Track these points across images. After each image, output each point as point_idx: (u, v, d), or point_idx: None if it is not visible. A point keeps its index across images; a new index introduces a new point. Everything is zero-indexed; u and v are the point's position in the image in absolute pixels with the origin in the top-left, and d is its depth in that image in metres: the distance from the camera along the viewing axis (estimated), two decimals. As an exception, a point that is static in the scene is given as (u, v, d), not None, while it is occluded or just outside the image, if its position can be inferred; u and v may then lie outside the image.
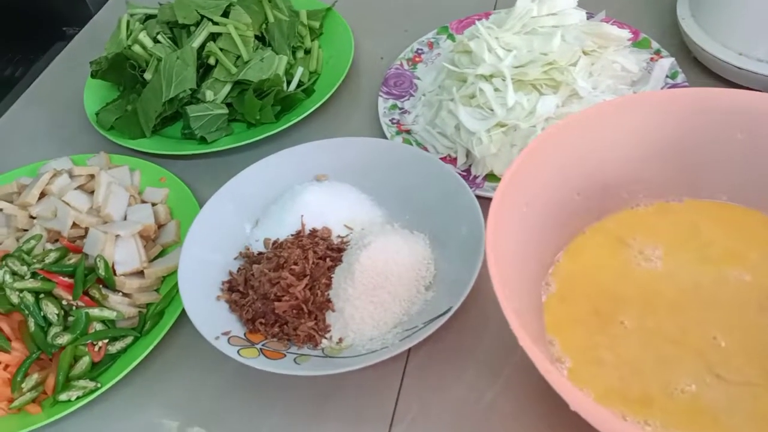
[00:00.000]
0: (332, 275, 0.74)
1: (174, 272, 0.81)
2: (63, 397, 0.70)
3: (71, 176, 0.88)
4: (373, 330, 0.71)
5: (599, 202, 0.72)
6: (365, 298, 0.72)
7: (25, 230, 0.85)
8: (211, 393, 0.74)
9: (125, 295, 0.78)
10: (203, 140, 0.98)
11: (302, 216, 0.81)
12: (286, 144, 1.00)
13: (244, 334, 0.72)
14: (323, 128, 1.02)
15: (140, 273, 0.80)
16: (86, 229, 0.83)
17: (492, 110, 0.84)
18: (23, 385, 0.71)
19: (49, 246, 0.81)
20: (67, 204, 0.83)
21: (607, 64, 0.87)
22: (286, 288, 0.73)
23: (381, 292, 0.72)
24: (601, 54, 0.88)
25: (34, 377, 0.72)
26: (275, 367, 0.66)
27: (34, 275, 0.76)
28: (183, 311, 0.76)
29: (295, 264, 0.75)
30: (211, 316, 0.73)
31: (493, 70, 0.86)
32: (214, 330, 0.71)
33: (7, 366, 0.73)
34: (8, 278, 0.75)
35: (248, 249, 0.82)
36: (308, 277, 0.74)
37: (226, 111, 1.00)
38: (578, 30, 0.88)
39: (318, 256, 0.76)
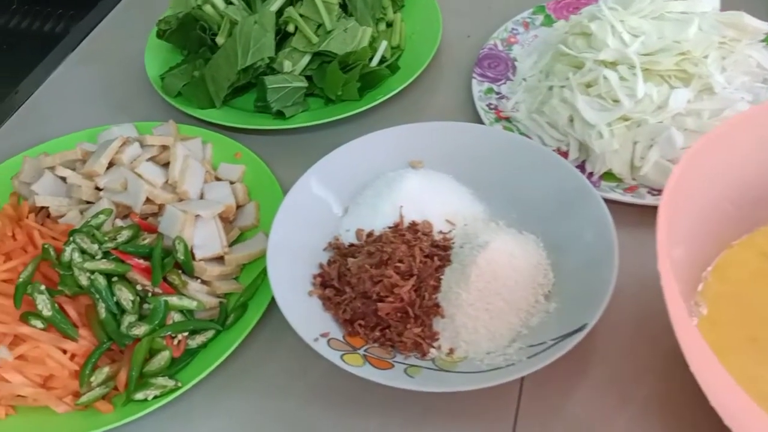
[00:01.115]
0: (441, 276, 0.66)
1: (256, 260, 0.73)
2: (139, 396, 0.62)
3: (142, 146, 0.79)
4: (489, 342, 0.63)
5: (751, 213, 0.64)
6: (480, 306, 0.64)
7: (89, 203, 0.77)
8: (299, 395, 0.66)
9: (203, 282, 0.70)
10: (280, 114, 0.90)
11: (401, 207, 0.73)
12: (367, 124, 0.92)
13: (343, 337, 0.64)
14: (407, 110, 0.94)
15: (219, 259, 0.72)
16: (160, 206, 0.74)
17: (615, 101, 0.76)
18: (92, 379, 0.63)
19: (119, 222, 0.73)
20: (140, 176, 0.74)
21: (741, 59, 0.78)
22: (390, 288, 0.65)
23: (497, 299, 0.64)
24: (734, 47, 0.79)
25: (105, 371, 0.64)
26: (386, 379, 0.59)
27: (105, 255, 0.68)
28: (268, 304, 0.69)
29: (401, 261, 0.66)
30: (305, 314, 0.65)
31: (617, 57, 0.77)
32: (311, 330, 0.63)
33: (73, 356, 0.65)
34: (77, 257, 0.67)
35: (338, 239, 0.74)
36: (415, 278, 0.66)
37: (305, 84, 0.91)
38: (713, 18, 0.79)
39: (424, 253, 0.68)
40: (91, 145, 0.82)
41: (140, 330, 0.64)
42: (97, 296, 0.65)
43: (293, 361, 0.67)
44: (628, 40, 0.78)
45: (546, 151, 0.75)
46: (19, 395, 0.63)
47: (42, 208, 0.78)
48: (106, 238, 0.69)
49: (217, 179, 0.81)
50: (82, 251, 0.68)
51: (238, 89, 0.94)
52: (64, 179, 0.78)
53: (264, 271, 0.71)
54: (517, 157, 0.76)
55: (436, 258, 0.68)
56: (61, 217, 0.76)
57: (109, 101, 1.01)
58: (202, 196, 0.77)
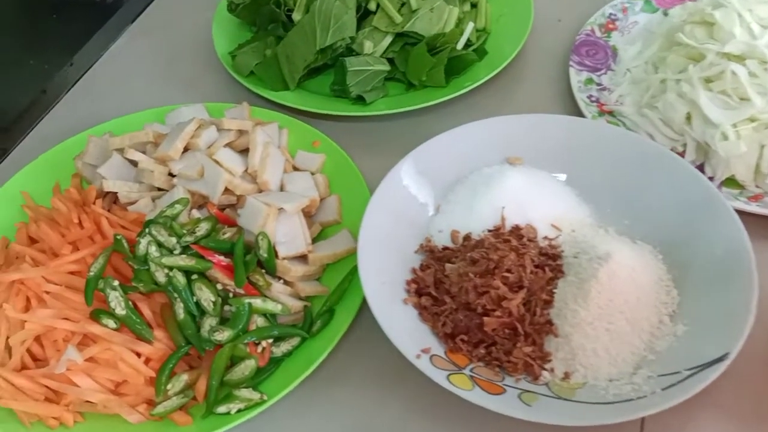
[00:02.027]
0: (553, 290, 0.60)
1: (341, 260, 0.67)
2: (222, 409, 0.57)
3: (218, 129, 0.73)
4: (610, 367, 0.56)
5: None
6: (599, 325, 0.57)
7: (161, 190, 0.71)
8: (394, 411, 0.60)
9: (286, 283, 0.65)
10: (360, 100, 0.83)
11: (503, 208, 0.67)
12: (451, 113, 0.85)
13: (445, 353, 0.58)
14: (495, 99, 0.86)
15: (302, 258, 0.66)
16: (239, 198, 0.68)
17: (743, 99, 0.68)
18: (169, 387, 0.58)
19: (195, 213, 0.67)
20: (218, 164, 0.68)
21: None
22: (497, 300, 0.59)
23: (619, 318, 0.58)
24: None
25: (183, 378, 0.58)
26: (501, 407, 0.52)
27: (184, 250, 0.62)
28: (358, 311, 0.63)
29: (509, 271, 0.60)
30: (402, 327, 0.59)
31: (745, 50, 0.69)
32: (411, 345, 0.57)
33: (148, 360, 0.59)
34: (154, 250, 0.61)
35: (429, 241, 0.67)
36: (525, 290, 0.59)
37: (387, 67, 0.84)
38: None
39: (535, 263, 0.61)
40: (162, 127, 0.76)
41: (223, 335, 0.58)
42: (176, 295, 0.60)
43: (386, 372, 0.62)
44: (758, 31, 0.70)
45: (665, 151, 0.68)
46: (88, 401, 0.58)
47: (108, 192, 0.72)
48: (185, 231, 0.63)
49: (295, 169, 0.75)
50: (159, 244, 0.62)
51: (311, 71, 0.87)
52: (133, 162, 0.72)
53: (351, 274, 0.65)
54: (631, 156, 0.69)
55: (547, 268, 0.61)
56: (130, 204, 0.70)
57: (172, 78, 0.95)
58: (281, 188, 0.71)
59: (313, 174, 0.74)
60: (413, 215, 0.69)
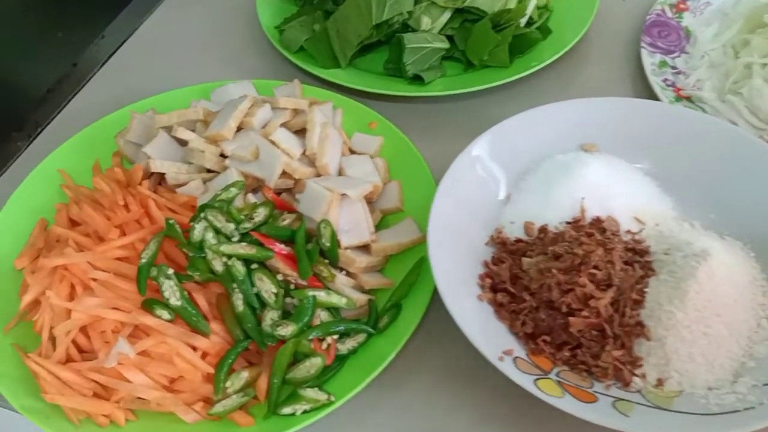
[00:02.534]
0: (644, 289, 0.55)
1: (406, 251, 0.62)
2: (287, 410, 0.52)
3: (273, 108, 0.68)
4: (707, 374, 0.52)
5: None
6: (696, 329, 0.53)
7: (210, 171, 0.66)
8: (465, 416, 0.56)
9: (348, 275, 0.60)
10: (417, 79, 0.78)
11: (582, 199, 0.62)
12: (514, 96, 0.80)
13: (527, 355, 0.54)
14: (560, 82, 0.81)
15: (364, 247, 0.62)
16: (296, 182, 0.64)
17: (842, 86, 0.64)
18: (228, 384, 0.53)
19: (250, 198, 0.63)
20: (275, 145, 0.63)
21: None
22: (584, 299, 0.54)
23: (717, 321, 0.53)
24: None
25: (243, 376, 0.54)
26: (597, 417, 0.48)
27: (243, 237, 0.57)
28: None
29: (596, 268, 0.55)
30: (478, 325, 0.54)
31: None
32: (492, 346, 0.52)
33: (205, 355, 0.55)
34: (210, 237, 0.57)
35: (500, 232, 0.63)
36: (614, 289, 0.54)
37: (447, 45, 0.79)
38: None
39: (623, 259, 0.56)
40: (211, 104, 0.71)
41: (287, 330, 0.53)
42: (234, 286, 0.55)
43: (459, 373, 0.57)
44: None
45: (754, 140, 0.63)
46: (140, 398, 0.54)
47: (152, 173, 0.68)
48: (242, 217, 0.58)
49: (352, 152, 0.70)
50: (216, 230, 0.57)
51: (363, 48, 0.82)
52: (181, 142, 0.67)
53: (417, 266, 0.60)
54: (716, 144, 0.64)
55: (636, 265, 0.56)
56: (178, 186, 0.65)
57: (211, 53, 0.90)
58: (340, 172, 0.66)
59: (372, 157, 0.69)
60: (483, 204, 0.64)
